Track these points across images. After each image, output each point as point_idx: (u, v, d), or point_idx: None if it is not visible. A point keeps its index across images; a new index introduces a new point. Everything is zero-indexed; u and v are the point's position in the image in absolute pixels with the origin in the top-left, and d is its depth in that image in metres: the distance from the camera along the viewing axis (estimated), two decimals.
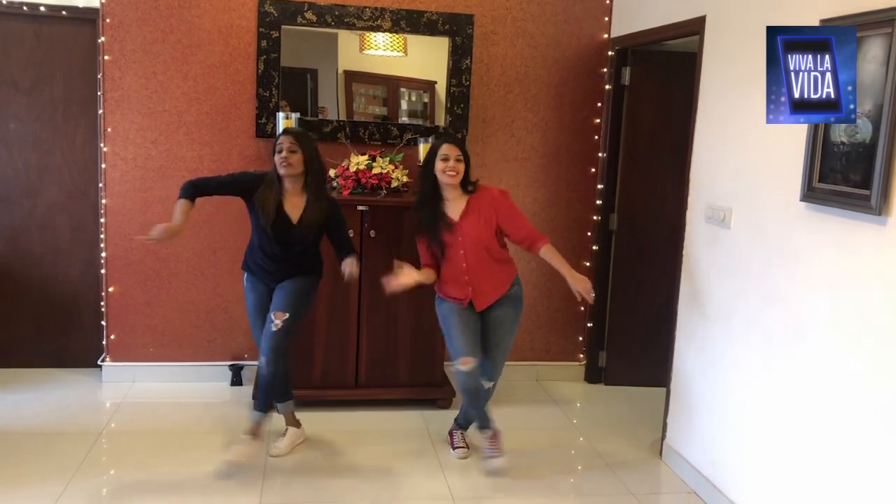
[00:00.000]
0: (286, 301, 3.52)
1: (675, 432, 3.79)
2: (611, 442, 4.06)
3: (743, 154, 3.26)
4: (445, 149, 3.47)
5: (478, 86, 4.61)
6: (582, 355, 5.00)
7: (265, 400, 3.59)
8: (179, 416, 4.11)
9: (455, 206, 3.52)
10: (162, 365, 4.57)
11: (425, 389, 4.33)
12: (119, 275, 4.47)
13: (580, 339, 4.98)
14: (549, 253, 3.51)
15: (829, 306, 2.71)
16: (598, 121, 4.77)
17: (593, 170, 4.80)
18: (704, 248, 3.57)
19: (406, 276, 3.47)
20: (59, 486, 3.30)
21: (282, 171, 3.44)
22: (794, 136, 2.86)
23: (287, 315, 3.49)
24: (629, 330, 4.82)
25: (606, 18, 4.69)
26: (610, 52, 4.68)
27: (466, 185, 3.53)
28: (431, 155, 3.52)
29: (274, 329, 3.48)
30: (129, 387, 4.48)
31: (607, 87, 4.71)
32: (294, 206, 3.51)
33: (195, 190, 3.47)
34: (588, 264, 4.86)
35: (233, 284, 4.51)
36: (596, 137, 4.79)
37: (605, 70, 4.73)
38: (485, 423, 3.64)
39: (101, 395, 4.38)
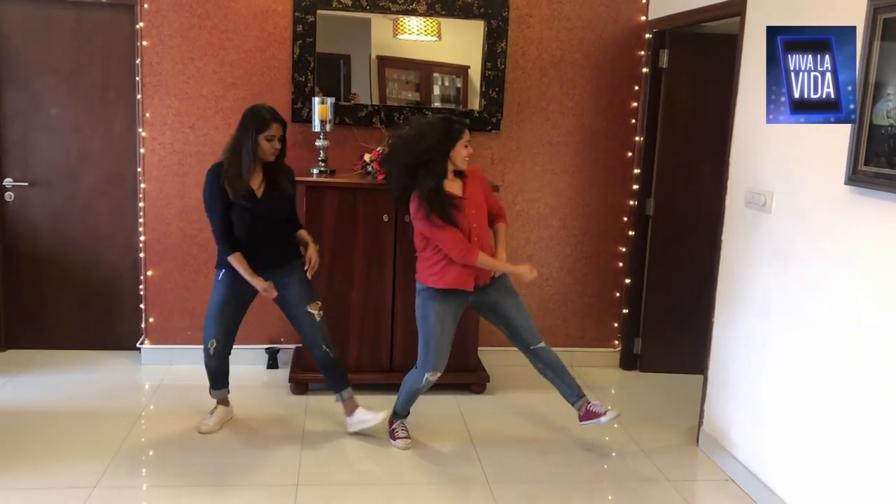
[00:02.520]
0: (307, 290, 3.68)
1: (712, 419, 3.76)
2: (646, 428, 4.03)
3: (785, 137, 3.20)
4: (468, 135, 3.46)
5: (513, 69, 4.58)
6: (617, 342, 4.97)
7: (344, 381, 3.78)
8: None
9: (453, 185, 3.49)
10: (199, 348, 4.56)
11: (459, 374, 4.33)
12: (157, 259, 4.53)
13: (615, 325, 4.94)
14: (501, 231, 3.67)
15: (875, 291, 2.66)
16: (634, 104, 4.72)
17: (630, 154, 4.75)
18: (744, 233, 3.52)
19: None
20: (101, 465, 3.37)
21: (269, 158, 3.49)
22: None
23: (319, 302, 3.70)
24: (665, 316, 4.77)
25: (644, 0, 4.63)
26: (647, 35, 4.62)
27: None
28: (453, 138, 3.40)
29: (319, 319, 3.68)
30: (167, 369, 4.55)
31: (644, 70, 4.65)
32: (254, 180, 3.51)
33: (230, 241, 3.51)
34: (624, 250, 4.82)
35: None
36: (633, 121, 4.73)
37: (642, 53, 4.66)
38: (580, 393, 3.69)
39: (140, 377, 4.46)
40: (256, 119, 3.46)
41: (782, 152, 3.22)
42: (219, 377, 3.81)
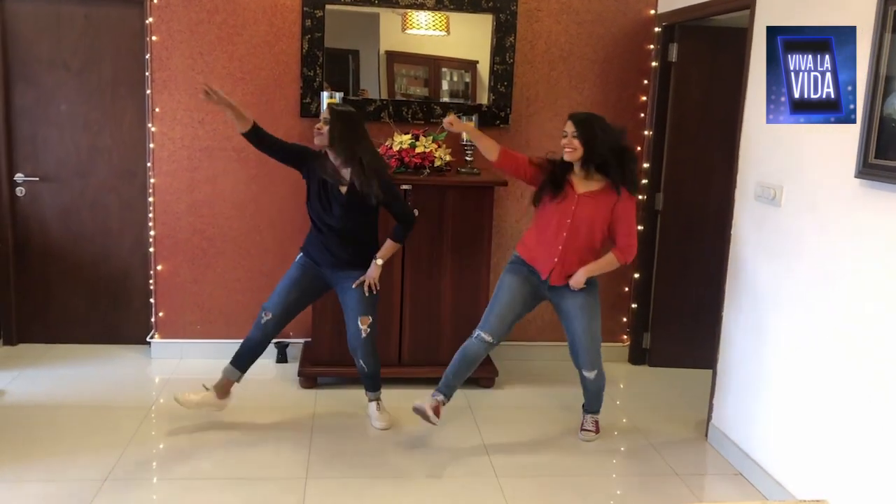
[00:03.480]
0: (364, 304, 3.68)
1: (721, 413, 3.75)
2: (655, 423, 4.03)
3: (794, 131, 3.18)
4: (567, 125, 3.46)
5: (521, 63, 4.57)
6: (626, 336, 4.96)
7: (371, 387, 3.86)
8: None
9: (582, 183, 3.50)
10: (209, 342, 4.65)
11: (464, 378, 4.33)
12: (167, 253, 4.55)
13: (624, 319, 4.94)
14: (607, 257, 3.57)
15: (885, 286, 2.65)
16: (643, 98, 4.70)
17: (639, 148, 4.73)
18: (753, 227, 3.51)
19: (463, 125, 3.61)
20: (112, 457, 3.39)
21: (315, 141, 3.57)
22: None
23: (371, 319, 3.70)
24: (674, 311, 4.76)
25: None
26: (656, 29, 4.60)
27: (590, 163, 3.45)
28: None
29: (364, 336, 3.69)
30: (176, 363, 4.57)
31: (653, 63, 4.63)
32: (344, 176, 3.59)
33: (260, 131, 3.58)
34: None
35: (278, 264, 4.56)
36: (642, 115, 4.72)
37: (651, 46, 4.65)
38: (593, 410, 3.81)
39: (150, 370, 4.48)
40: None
41: (792, 146, 3.21)
42: (246, 355, 3.75)
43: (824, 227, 2.99)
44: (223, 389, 3.75)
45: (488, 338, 3.59)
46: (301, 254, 3.76)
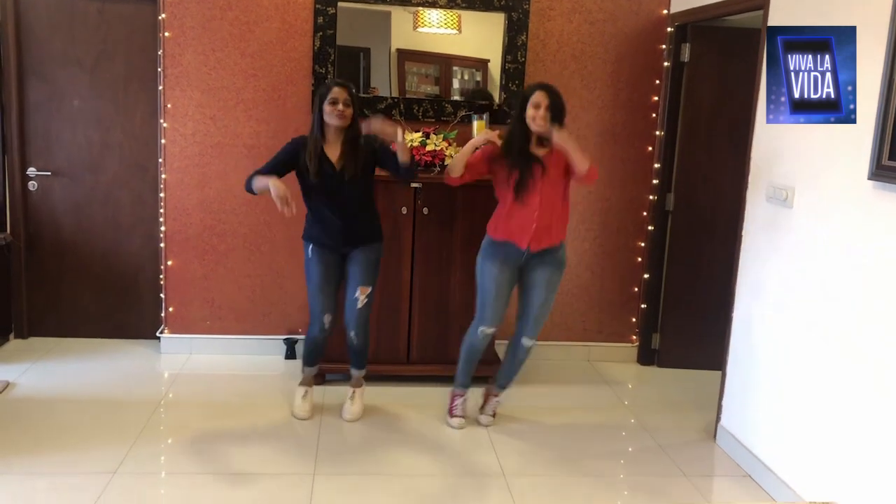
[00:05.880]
0: (365, 274, 3.71)
1: (730, 415, 3.73)
2: (663, 423, 4.02)
3: (807, 132, 3.16)
4: (538, 96, 3.47)
5: (533, 62, 4.56)
6: (635, 337, 4.95)
7: (357, 364, 3.94)
8: (235, 388, 4.20)
9: (538, 149, 3.54)
10: (218, 337, 4.66)
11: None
12: (177, 249, 4.56)
13: (633, 320, 4.93)
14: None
15: None
16: (655, 98, 4.69)
17: (650, 148, 4.72)
18: (764, 229, 3.49)
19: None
20: (121, 451, 3.40)
21: (335, 122, 3.52)
22: (862, 113, 2.76)
23: (370, 290, 3.73)
24: (684, 312, 4.75)
25: None
26: (669, 29, 4.59)
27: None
28: (524, 101, 3.51)
29: (360, 306, 3.72)
30: (186, 358, 4.58)
31: (666, 63, 4.62)
32: (334, 152, 3.58)
33: (252, 179, 3.56)
34: (643, 245, 4.80)
35: (287, 260, 4.57)
36: (653, 115, 4.70)
37: (663, 46, 4.63)
38: (504, 386, 3.90)
39: (159, 365, 4.50)
40: (321, 89, 3.60)
41: (804, 147, 3.19)
42: (317, 355, 3.91)
43: (837, 228, 2.97)
44: (311, 381, 3.99)
45: (490, 330, 3.72)
46: (310, 245, 3.72)
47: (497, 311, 3.67)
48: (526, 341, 3.74)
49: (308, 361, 3.93)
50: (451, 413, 3.86)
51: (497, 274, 3.62)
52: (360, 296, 3.70)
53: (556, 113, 3.47)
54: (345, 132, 3.58)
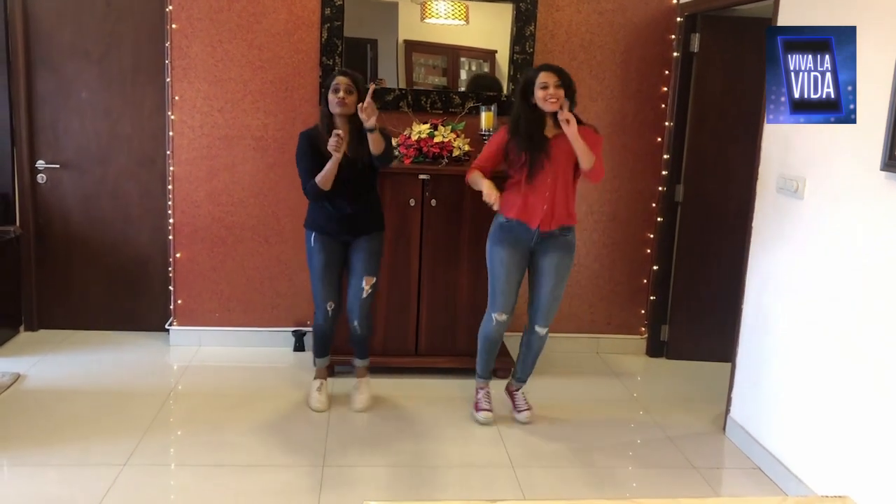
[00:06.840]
0: (370, 264, 3.74)
1: (740, 407, 3.72)
2: (672, 415, 4.01)
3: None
4: (544, 76, 3.44)
5: (541, 53, 4.54)
6: (644, 329, 4.93)
7: (361, 353, 3.96)
8: (243, 380, 4.21)
9: (550, 130, 3.53)
10: (227, 330, 4.67)
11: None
12: (186, 241, 4.56)
13: (642, 312, 4.91)
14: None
15: None
16: (665, 89, 4.66)
17: (659, 139, 4.70)
18: (775, 219, 3.47)
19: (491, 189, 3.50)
20: (131, 443, 3.42)
21: (336, 110, 3.55)
22: (874, 103, 2.73)
23: (374, 280, 3.76)
24: (693, 303, 4.73)
25: None
26: (678, 19, 4.55)
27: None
28: (529, 85, 3.48)
29: (364, 296, 3.75)
30: (195, 350, 4.60)
31: (675, 54, 4.58)
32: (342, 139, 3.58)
33: (315, 184, 3.57)
34: (652, 236, 4.78)
35: (296, 252, 4.57)
36: (663, 106, 4.67)
37: (673, 37, 4.60)
38: (522, 380, 3.87)
39: (168, 357, 4.51)
40: (327, 78, 3.67)
41: (815, 138, 3.17)
42: (326, 344, 3.93)
43: (848, 219, 2.95)
44: (325, 373, 3.99)
45: (503, 317, 3.69)
46: (313, 233, 3.72)
47: (509, 296, 3.66)
48: (539, 329, 3.73)
49: (318, 352, 3.95)
50: (476, 407, 3.84)
51: (507, 258, 3.61)
52: (366, 286, 3.72)
53: (567, 90, 3.45)
54: (350, 120, 3.58)
